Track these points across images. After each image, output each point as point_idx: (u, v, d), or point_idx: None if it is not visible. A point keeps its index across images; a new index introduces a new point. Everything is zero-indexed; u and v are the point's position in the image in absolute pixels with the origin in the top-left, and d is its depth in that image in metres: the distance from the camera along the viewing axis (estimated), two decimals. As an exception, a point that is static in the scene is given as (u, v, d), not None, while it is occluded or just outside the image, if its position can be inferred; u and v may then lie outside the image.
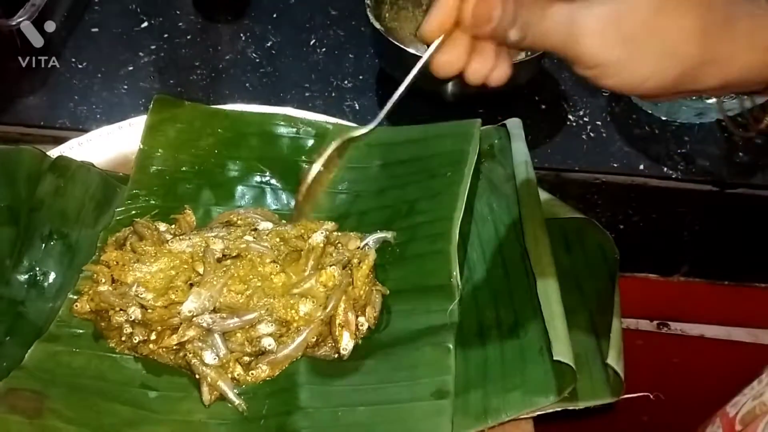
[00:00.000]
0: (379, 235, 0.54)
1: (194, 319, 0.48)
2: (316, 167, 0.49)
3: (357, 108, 0.71)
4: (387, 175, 0.57)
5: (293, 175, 0.58)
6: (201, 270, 0.50)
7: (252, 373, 0.48)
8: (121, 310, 0.49)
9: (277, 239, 0.52)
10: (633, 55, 0.37)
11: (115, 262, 0.51)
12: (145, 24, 0.78)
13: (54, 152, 0.57)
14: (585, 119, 0.71)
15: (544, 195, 0.54)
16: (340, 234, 0.54)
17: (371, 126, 0.47)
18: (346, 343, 0.49)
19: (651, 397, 0.50)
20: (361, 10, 0.71)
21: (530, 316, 0.48)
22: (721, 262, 0.64)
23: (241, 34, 0.78)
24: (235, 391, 0.47)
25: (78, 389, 0.46)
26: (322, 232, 0.52)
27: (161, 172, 0.57)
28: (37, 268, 0.52)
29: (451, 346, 0.47)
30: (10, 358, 0.47)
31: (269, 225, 0.54)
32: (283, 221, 0.56)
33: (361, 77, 0.74)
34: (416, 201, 0.54)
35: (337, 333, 0.49)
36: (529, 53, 0.73)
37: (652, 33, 0.36)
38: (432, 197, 0.54)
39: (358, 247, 0.53)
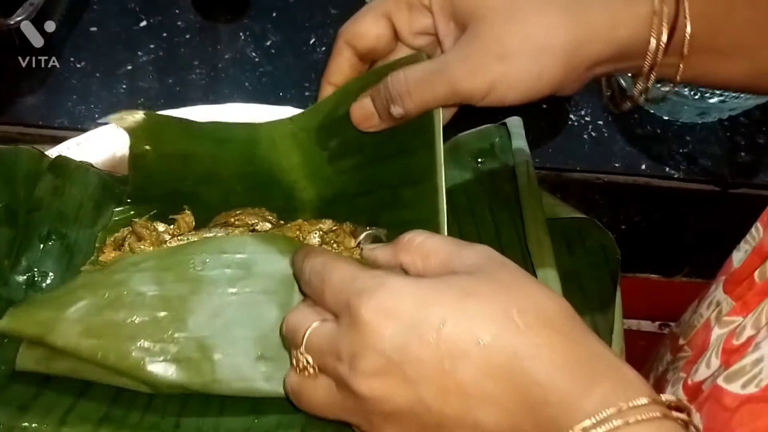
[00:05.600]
0: (369, 232, 0.53)
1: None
2: None
3: (357, 107, 0.70)
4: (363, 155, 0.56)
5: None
6: (200, 270, 0.50)
7: None
8: (119, 310, 0.49)
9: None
10: (512, 68, 0.38)
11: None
12: (144, 23, 0.78)
13: (52, 152, 0.56)
14: (586, 119, 0.70)
15: (545, 195, 0.54)
16: (336, 227, 0.53)
17: None
18: (346, 344, 0.48)
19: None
20: (361, 10, 0.70)
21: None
22: (723, 262, 0.64)
23: (241, 34, 0.78)
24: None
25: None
26: (316, 233, 0.52)
27: (157, 174, 0.56)
28: (36, 269, 0.51)
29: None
30: (9, 360, 0.46)
31: (267, 225, 0.54)
32: (281, 221, 0.55)
33: (361, 77, 0.74)
34: (398, 187, 0.52)
35: (336, 334, 0.49)
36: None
37: (516, 41, 0.38)
38: (413, 184, 0.51)
39: (355, 247, 0.53)
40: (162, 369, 0.44)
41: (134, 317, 0.45)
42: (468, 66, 0.39)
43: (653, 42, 0.38)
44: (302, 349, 0.35)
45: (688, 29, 0.38)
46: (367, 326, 0.31)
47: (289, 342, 0.38)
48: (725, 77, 0.43)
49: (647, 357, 0.57)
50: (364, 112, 0.45)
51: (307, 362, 0.35)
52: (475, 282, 0.32)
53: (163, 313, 0.45)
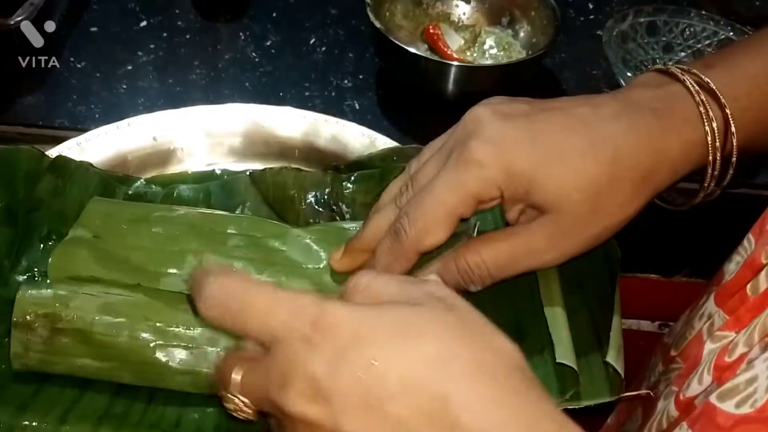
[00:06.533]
0: None
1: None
2: None
3: (357, 107, 0.71)
4: None
5: None
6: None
7: None
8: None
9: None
10: (594, 243, 0.42)
11: (113, 263, 0.51)
12: (144, 23, 0.78)
13: (53, 152, 0.56)
14: (586, 119, 0.70)
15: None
16: None
17: None
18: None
19: (651, 395, 0.50)
20: (361, 10, 0.70)
21: (531, 317, 0.48)
22: (722, 263, 0.64)
23: (241, 34, 0.78)
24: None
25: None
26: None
27: None
28: (36, 269, 0.51)
29: None
30: (9, 359, 0.46)
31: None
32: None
33: (361, 77, 0.74)
34: None
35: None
36: (530, 51, 0.73)
37: (599, 224, 0.41)
38: None
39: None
40: (171, 354, 0.45)
41: (151, 301, 0.45)
42: (556, 252, 0.42)
43: (709, 169, 0.43)
44: (230, 389, 0.32)
45: (734, 140, 0.42)
46: (301, 350, 0.30)
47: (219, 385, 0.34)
48: None
49: (646, 356, 0.57)
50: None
51: (242, 402, 0.33)
52: (414, 317, 0.31)
53: (180, 301, 0.46)
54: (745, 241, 0.46)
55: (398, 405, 0.29)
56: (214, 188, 0.57)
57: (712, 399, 0.38)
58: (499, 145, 0.40)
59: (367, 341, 0.30)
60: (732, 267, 0.47)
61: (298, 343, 0.30)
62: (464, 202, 0.41)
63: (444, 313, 0.31)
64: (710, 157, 0.42)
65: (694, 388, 0.42)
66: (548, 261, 0.42)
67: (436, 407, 0.29)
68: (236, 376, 0.32)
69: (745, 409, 0.36)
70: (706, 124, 0.41)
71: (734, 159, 0.42)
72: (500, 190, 0.41)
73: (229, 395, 0.33)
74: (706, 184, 0.43)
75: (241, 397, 0.32)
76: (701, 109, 0.41)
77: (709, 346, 0.45)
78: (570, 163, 0.40)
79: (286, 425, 0.31)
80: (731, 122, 0.41)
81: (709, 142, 0.41)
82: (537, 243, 0.41)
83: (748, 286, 0.43)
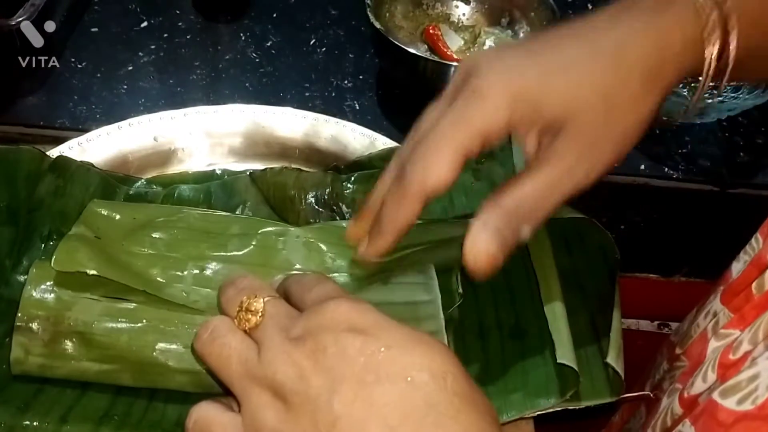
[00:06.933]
0: None
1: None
2: None
3: (357, 108, 0.71)
4: None
5: None
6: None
7: None
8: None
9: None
10: (624, 152, 0.39)
11: (114, 263, 0.51)
12: (145, 24, 0.78)
13: (54, 152, 0.57)
14: (585, 119, 0.70)
15: (544, 195, 0.54)
16: None
17: None
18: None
19: (651, 395, 0.50)
20: (361, 10, 0.71)
21: (531, 317, 0.48)
22: (721, 262, 0.64)
23: (241, 34, 0.78)
24: None
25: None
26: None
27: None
28: (37, 269, 0.52)
29: (450, 348, 0.47)
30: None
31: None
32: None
33: (361, 77, 0.74)
34: None
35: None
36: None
37: (619, 125, 0.38)
38: None
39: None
40: (172, 355, 0.45)
41: (152, 303, 0.46)
42: (588, 163, 0.39)
43: (705, 70, 0.39)
44: (263, 300, 0.36)
45: (733, 50, 0.39)
46: (328, 318, 0.33)
47: (233, 291, 0.38)
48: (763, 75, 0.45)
49: (645, 356, 0.58)
50: (491, 256, 0.38)
51: (254, 311, 0.35)
52: (422, 334, 0.34)
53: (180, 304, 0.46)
54: (753, 240, 0.46)
55: (392, 390, 0.30)
56: (214, 188, 0.57)
57: (715, 396, 0.38)
58: (500, 72, 0.38)
59: (386, 332, 0.33)
60: (739, 266, 0.47)
61: (328, 311, 0.34)
62: (470, 136, 0.38)
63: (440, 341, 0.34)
64: (706, 52, 0.39)
65: (698, 386, 0.42)
66: (584, 176, 0.39)
67: (426, 408, 0.30)
68: (266, 298, 0.36)
69: (746, 406, 0.36)
70: (703, 16, 0.38)
71: (731, 63, 0.40)
72: (507, 118, 0.38)
73: (250, 300, 0.36)
74: (702, 82, 0.40)
75: (260, 307, 0.36)
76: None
77: (713, 344, 0.45)
78: (574, 69, 0.38)
79: (262, 374, 0.33)
80: (729, 17, 0.39)
81: (706, 37, 0.39)
82: (568, 160, 0.38)
83: (754, 285, 0.43)
